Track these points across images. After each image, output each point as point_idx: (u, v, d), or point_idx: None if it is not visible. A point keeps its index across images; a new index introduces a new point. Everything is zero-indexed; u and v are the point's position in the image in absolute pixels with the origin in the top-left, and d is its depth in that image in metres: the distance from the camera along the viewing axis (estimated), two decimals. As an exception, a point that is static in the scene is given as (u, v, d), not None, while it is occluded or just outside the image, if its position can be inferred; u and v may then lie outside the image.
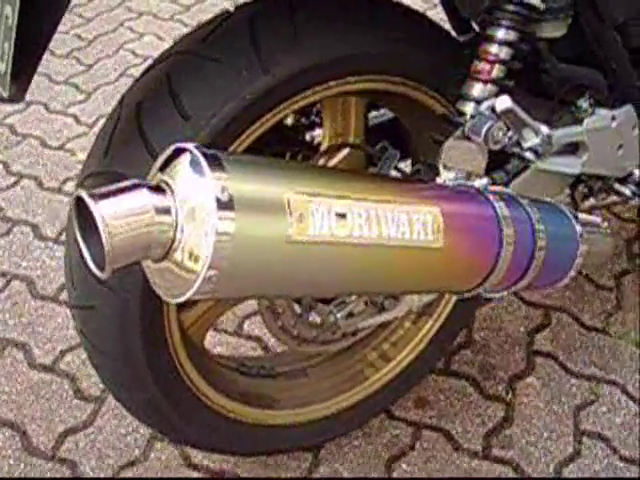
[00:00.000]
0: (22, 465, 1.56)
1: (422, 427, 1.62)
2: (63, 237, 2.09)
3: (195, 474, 1.53)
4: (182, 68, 1.03)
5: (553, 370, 1.75)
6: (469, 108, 1.14)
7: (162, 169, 0.72)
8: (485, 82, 1.13)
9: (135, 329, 1.10)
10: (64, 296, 1.91)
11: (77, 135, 2.48)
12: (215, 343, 1.78)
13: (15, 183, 2.29)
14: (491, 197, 0.98)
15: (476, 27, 1.37)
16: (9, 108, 2.59)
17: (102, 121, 2.47)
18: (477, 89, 1.14)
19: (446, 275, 0.93)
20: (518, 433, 1.62)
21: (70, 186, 2.27)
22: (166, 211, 0.69)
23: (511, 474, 1.55)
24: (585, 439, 1.61)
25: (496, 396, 1.69)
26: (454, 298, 1.49)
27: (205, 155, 0.69)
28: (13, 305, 1.90)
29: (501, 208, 0.97)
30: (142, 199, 0.67)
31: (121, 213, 0.66)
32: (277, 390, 1.42)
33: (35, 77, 2.79)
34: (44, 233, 2.11)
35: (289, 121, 1.41)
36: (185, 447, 1.55)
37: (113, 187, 0.68)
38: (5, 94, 0.87)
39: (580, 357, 1.78)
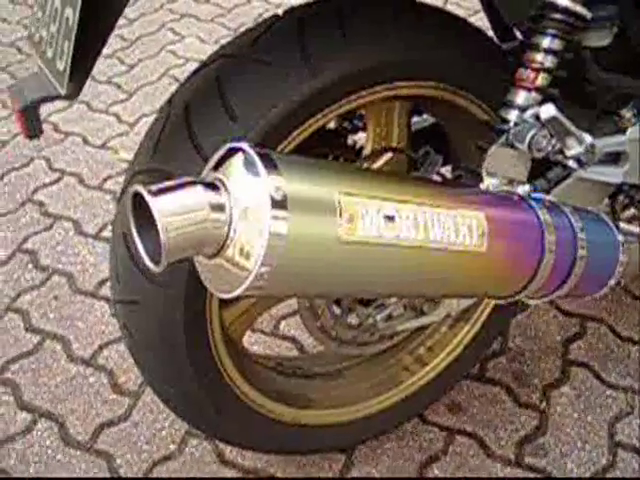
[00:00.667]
0: (59, 455, 1.59)
1: (455, 432, 1.62)
2: (103, 233, 2.13)
3: (228, 471, 1.55)
4: (231, 70, 1.05)
5: (588, 380, 1.74)
6: (513, 115, 1.14)
7: (216, 168, 0.74)
8: (529, 90, 1.14)
9: (178, 325, 1.12)
10: (103, 291, 1.95)
11: (118, 134, 2.52)
12: (252, 342, 1.80)
13: (57, 180, 2.34)
14: (534, 204, 0.98)
15: (519, 35, 1.37)
16: (52, 106, 2.64)
17: (143, 120, 2.56)
18: (521, 97, 1.14)
19: (488, 280, 0.94)
20: (551, 442, 1.61)
21: (110, 184, 2.31)
22: (220, 208, 0.70)
23: (544, 483, 1.54)
24: (620, 451, 1.59)
25: (530, 404, 1.68)
26: (491, 304, 1.49)
27: (259, 155, 0.71)
28: (53, 299, 1.94)
29: (544, 215, 0.98)
30: (197, 196, 0.69)
31: (177, 209, 0.68)
32: (313, 390, 1.44)
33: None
34: (84, 229, 2.15)
35: (332, 124, 1.43)
36: (220, 444, 1.58)
37: (169, 183, 0.70)
38: (62, 92, 0.90)
39: (615, 368, 1.77)
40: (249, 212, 0.70)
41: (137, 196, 0.69)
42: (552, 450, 1.60)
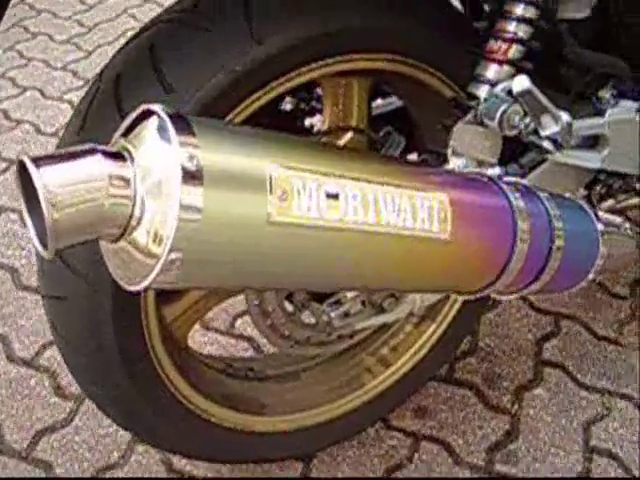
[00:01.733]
0: (-6, 465, 1.46)
1: (421, 438, 1.52)
2: (51, 226, 1.99)
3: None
4: (167, 37, 0.94)
5: (562, 381, 1.65)
6: (482, 91, 1.04)
7: (126, 134, 0.62)
8: (501, 63, 1.04)
9: (107, 323, 1.00)
10: (49, 288, 1.82)
11: (72, 122, 2.38)
12: (205, 342, 1.68)
13: (6, 169, 2.20)
14: (505, 187, 0.87)
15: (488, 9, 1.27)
16: (3, 93, 2.51)
17: (98, 108, 2.41)
18: (492, 70, 1.04)
19: (452, 272, 0.83)
20: (523, 448, 1.52)
21: (61, 174, 2.17)
22: (124, 182, 0.58)
23: (515, 492, 1.44)
24: (595, 456, 1.50)
25: (501, 407, 1.58)
26: (459, 301, 1.39)
27: (173, 118, 0.59)
28: (-5, 295, 1.81)
29: (516, 200, 0.87)
30: (95, 166, 0.57)
31: (68, 181, 0.56)
32: (266, 394, 1.32)
33: (32, 62, 2.70)
34: (31, 221, 2.01)
35: (288, 106, 1.32)
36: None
37: (62, 151, 0.58)
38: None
39: (591, 368, 1.68)
40: (158, 187, 0.58)
41: (24, 167, 0.56)
42: (524, 456, 1.50)
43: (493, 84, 1.03)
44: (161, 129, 0.59)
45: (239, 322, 1.73)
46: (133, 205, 0.59)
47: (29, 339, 1.71)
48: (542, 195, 0.94)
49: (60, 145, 1.03)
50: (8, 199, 2.09)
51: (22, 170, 0.57)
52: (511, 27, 1.03)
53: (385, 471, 1.46)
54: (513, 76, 1.04)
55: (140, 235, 0.59)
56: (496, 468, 1.48)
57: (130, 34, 2.79)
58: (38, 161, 0.56)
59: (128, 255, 0.61)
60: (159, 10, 2.92)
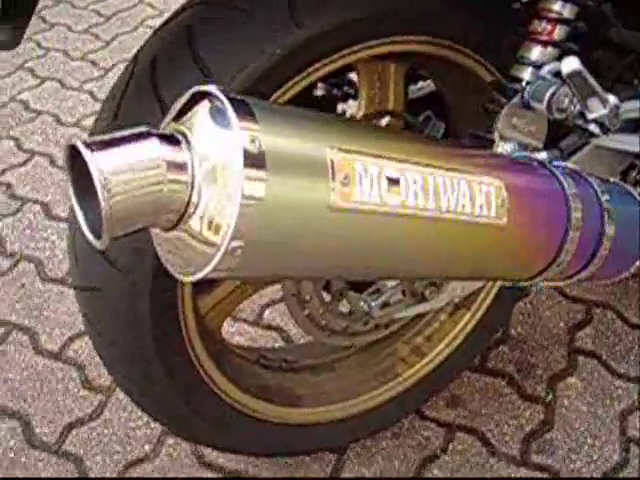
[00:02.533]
0: (24, 458, 1.45)
1: (455, 428, 1.50)
2: (74, 217, 1.98)
3: (208, 474, 1.42)
4: (204, 19, 0.91)
5: (596, 370, 1.62)
6: (526, 73, 1.01)
7: (177, 118, 0.59)
8: (545, 44, 1.00)
9: (145, 315, 0.98)
10: (74, 279, 1.80)
11: (93, 112, 2.37)
12: (233, 333, 1.66)
13: (27, 160, 2.19)
14: (557, 172, 0.84)
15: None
16: (23, 84, 2.49)
17: (119, 97, 2.40)
18: (536, 52, 1.01)
19: (508, 259, 0.80)
20: (559, 438, 1.49)
21: (83, 164, 2.16)
22: (181, 167, 0.55)
23: (552, 483, 1.42)
24: (632, 447, 1.47)
25: (535, 397, 1.56)
26: (494, 289, 1.36)
27: (231, 100, 0.56)
28: (20, 287, 1.80)
29: (569, 185, 0.84)
30: (151, 151, 0.54)
31: (124, 167, 0.53)
32: (301, 386, 1.30)
33: (51, 53, 2.67)
34: (55, 212, 2.00)
35: (320, 92, 1.29)
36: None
37: (115, 135, 0.55)
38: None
39: (625, 357, 1.65)
40: (217, 172, 0.55)
41: (75, 152, 0.54)
42: (560, 447, 1.48)
43: (537, 66, 1.00)
44: (218, 111, 0.56)
45: (267, 312, 1.71)
46: (191, 191, 0.56)
47: (56, 331, 1.70)
48: (592, 180, 0.91)
49: (93, 132, 1.00)
50: (30, 190, 2.08)
51: (72, 155, 0.55)
52: (556, 7, 0.99)
53: (420, 462, 1.44)
54: (558, 58, 1.00)
55: (198, 222, 0.56)
56: (531, 458, 1.45)
57: (148, 23, 2.78)
58: (92, 145, 0.53)
59: (183, 244, 0.58)
60: (177, -2, 2.85)
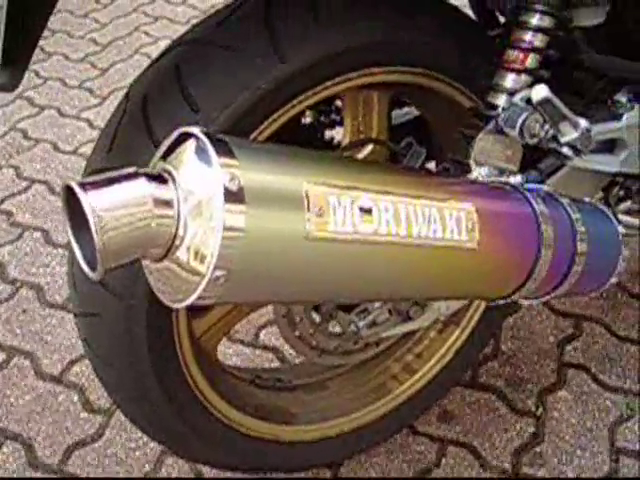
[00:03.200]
0: (27, 480, 1.49)
1: (447, 443, 1.53)
2: (74, 243, 2.02)
3: (207, 492, 1.45)
4: (192, 57, 0.96)
5: (585, 383, 1.66)
6: (501, 100, 1.05)
7: (165, 157, 0.64)
8: (518, 72, 1.05)
9: (142, 338, 1.02)
10: (74, 304, 1.84)
11: (90, 140, 2.42)
12: (230, 354, 1.70)
13: (26, 188, 2.23)
14: (528, 195, 0.89)
15: (502, 20, 1.29)
16: (21, 113, 2.55)
17: (115, 125, 2.45)
18: (509, 80, 1.06)
19: (481, 279, 0.84)
20: (549, 451, 1.52)
21: (82, 191, 2.20)
22: (167, 203, 0.60)
23: (543, 494, 1.45)
24: (622, 457, 1.51)
25: (525, 411, 1.59)
26: (482, 306, 1.40)
27: (212, 140, 0.61)
28: (21, 313, 1.84)
29: (539, 207, 0.88)
30: (139, 189, 0.59)
31: (115, 204, 0.58)
32: (295, 404, 1.34)
33: (48, 82, 2.73)
34: (55, 239, 2.05)
35: (307, 119, 1.34)
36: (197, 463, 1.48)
37: (106, 175, 0.60)
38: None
39: (614, 369, 1.69)
40: (201, 207, 0.60)
41: (70, 191, 0.59)
42: (550, 459, 1.51)
43: (511, 93, 1.05)
44: (201, 151, 0.61)
45: (263, 333, 1.75)
46: (177, 225, 0.61)
47: (56, 355, 1.73)
48: (564, 201, 0.95)
49: (88, 166, 1.05)
50: (31, 217, 2.13)
51: (68, 194, 0.60)
52: (528, 37, 1.04)
53: (413, 477, 1.47)
54: (531, 84, 1.05)
55: (184, 254, 0.61)
56: (523, 471, 1.48)
57: (144, 50, 2.83)
58: (86, 185, 0.58)
59: (172, 273, 0.63)
60: (171, 26, 2.94)
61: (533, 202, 0.88)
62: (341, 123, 1.30)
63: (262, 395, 1.31)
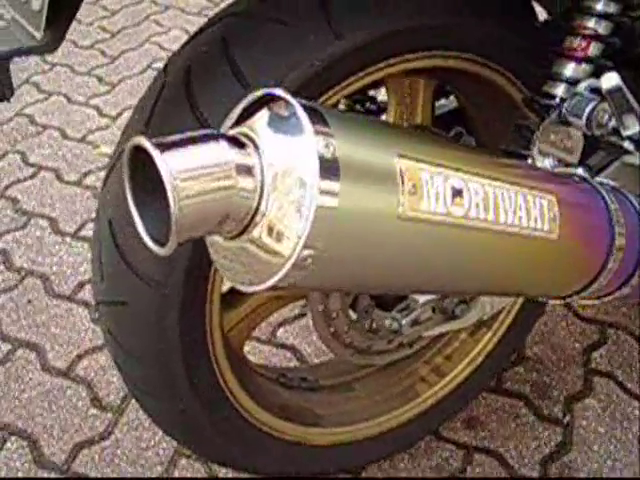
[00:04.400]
0: (32, 479, 1.41)
1: (473, 450, 1.47)
2: (82, 232, 1.96)
3: (222, 495, 1.39)
4: (240, 31, 0.90)
5: (613, 391, 1.60)
6: (560, 90, 1.00)
7: (239, 122, 0.57)
8: (579, 61, 1.00)
9: (173, 330, 0.95)
10: (82, 295, 1.78)
11: (99, 127, 2.35)
12: (246, 352, 1.63)
13: (33, 175, 2.16)
14: (600, 188, 0.83)
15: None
16: (28, 98, 2.47)
17: (126, 114, 2.39)
18: (570, 68, 1.00)
19: (557, 273, 0.78)
20: (579, 460, 1.47)
21: (91, 179, 2.14)
22: (249, 172, 0.53)
23: (573, 506, 1.39)
24: (653, 469, 1.45)
25: (552, 418, 1.54)
26: (515, 308, 1.35)
27: (303, 105, 0.54)
28: (27, 303, 1.77)
29: (611, 201, 0.83)
30: (221, 153, 0.52)
31: (194, 170, 0.51)
32: (320, 405, 1.27)
33: (56, 68, 2.65)
34: (62, 228, 1.98)
35: (341, 107, 1.28)
36: (212, 465, 1.41)
37: (183, 136, 0.53)
38: (39, 36, 0.73)
39: (641, 378, 1.63)
40: (287, 178, 0.53)
41: (139, 152, 0.51)
42: (580, 469, 1.45)
43: (571, 82, 0.99)
44: (289, 116, 0.54)
45: (281, 331, 1.69)
46: (259, 198, 0.54)
47: (64, 348, 1.67)
48: (632, 198, 0.90)
49: (121, 144, 0.99)
50: (37, 205, 2.05)
51: (134, 155, 0.52)
52: (591, 23, 0.99)
53: (438, 484, 1.41)
54: (591, 74, 1.00)
55: (265, 231, 0.54)
56: (552, 481, 1.43)
57: (155, 39, 2.77)
58: (160, 146, 0.51)
59: (247, 253, 0.56)
60: (182, 16, 2.87)
61: (605, 196, 0.83)
62: (377, 113, 1.24)
63: (287, 395, 1.25)
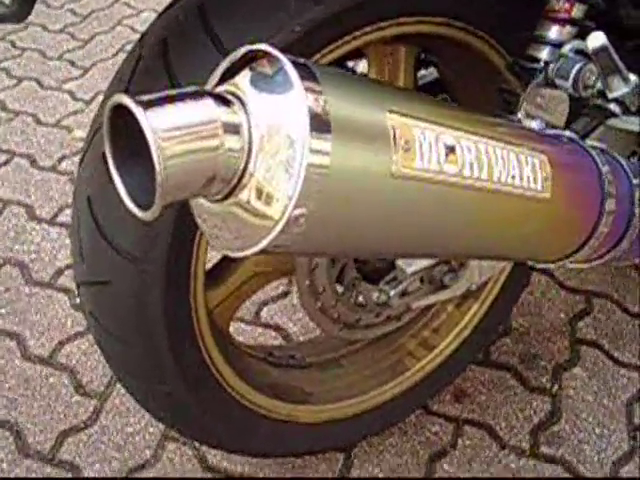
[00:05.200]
0: (17, 469, 1.39)
1: (463, 423, 1.47)
2: (59, 218, 1.92)
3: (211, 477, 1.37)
4: (217, -3, 0.87)
5: (600, 360, 1.61)
6: (544, 53, 0.98)
7: (222, 81, 0.54)
8: (563, 23, 0.98)
9: (157, 308, 0.93)
10: (61, 281, 1.75)
11: (73, 112, 2.30)
12: (232, 332, 1.61)
13: (7, 161, 2.12)
14: (591, 150, 0.82)
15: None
16: (0, 84, 2.42)
17: (101, 97, 2.33)
18: (554, 31, 0.99)
19: (549, 234, 0.77)
20: (567, 429, 1.47)
21: (66, 164, 2.10)
22: (236, 130, 0.51)
23: (563, 474, 1.39)
24: (640, 435, 1.46)
25: (541, 388, 1.54)
26: (502, 279, 1.34)
27: (291, 61, 0.52)
28: (5, 291, 1.73)
29: (602, 163, 0.81)
30: (207, 111, 0.50)
31: (179, 127, 0.49)
32: (309, 382, 1.26)
33: (26, 52, 2.60)
34: (38, 214, 1.94)
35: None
36: (201, 447, 1.39)
37: (166, 93, 0.50)
38: (7, 1, 0.69)
39: (627, 346, 1.64)
40: (275, 137, 0.51)
41: (120, 110, 0.49)
42: (569, 438, 1.46)
43: (555, 45, 0.98)
44: (277, 72, 0.52)
45: (265, 310, 1.67)
46: (247, 157, 0.52)
47: (44, 336, 1.64)
48: (620, 159, 0.88)
49: (95, 122, 0.96)
50: (12, 192, 2.01)
51: (115, 114, 0.50)
52: (575, -16, 0.97)
53: (429, 458, 1.40)
54: (576, 36, 0.98)
55: (254, 192, 0.52)
56: (541, 450, 1.43)
57: (126, 22, 2.72)
58: (142, 103, 0.48)
59: (235, 217, 0.54)
60: (154, -1, 2.76)
61: (596, 157, 0.81)
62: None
63: (276, 373, 1.23)
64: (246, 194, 0.53)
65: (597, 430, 1.47)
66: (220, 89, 0.54)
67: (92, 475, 1.38)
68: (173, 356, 0.98)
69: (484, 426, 1.47)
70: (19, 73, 2.48)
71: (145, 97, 0.49)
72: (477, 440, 1.44)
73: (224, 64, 0.55)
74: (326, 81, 0.53)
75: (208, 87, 0.55)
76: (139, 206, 0.51)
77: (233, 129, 0.51)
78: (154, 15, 2.60)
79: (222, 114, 0.51)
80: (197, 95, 0.51)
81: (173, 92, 0.51)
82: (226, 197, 0.53)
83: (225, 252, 0.56)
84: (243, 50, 0.54)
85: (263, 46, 0.53)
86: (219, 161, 0.51)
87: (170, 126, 0.48)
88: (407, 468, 1.39)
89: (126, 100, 0.48)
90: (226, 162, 0.51)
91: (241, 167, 0.52)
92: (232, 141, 0.51)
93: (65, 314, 1.68)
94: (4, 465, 1.40)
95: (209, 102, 0.50)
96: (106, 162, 0.84)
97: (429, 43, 1.10)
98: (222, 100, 0.52)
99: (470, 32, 1.05)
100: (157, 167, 0.47)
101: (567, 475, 1.39)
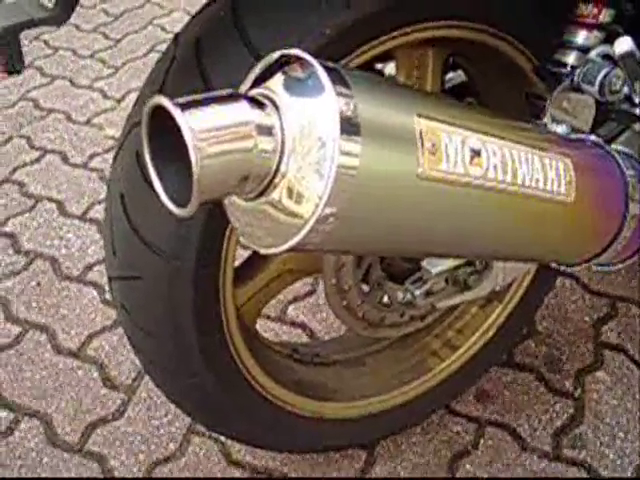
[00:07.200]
0: (46, 458, 1.43)
1: (485, 423, 1.48)
2: (90, 214, 1.96)
3: (236, 473, 1.39)
4: (250, 0, 0.89)
5: (623, 364, 1.60)
6: (571, 58, 0.99)
7: (255, 84, 0.56)
8: (591, 28, 0.99)
9: (187, 304, 0.95)
10: (91, 276, 1.78)
11: (104, 110, 2.34)
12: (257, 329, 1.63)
13: (39, 158, 2.16)
14: (616, 155, 0.83)
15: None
16: (32, 82, 2.47)
17: (131, 96, 2.38)
18: (581, 36, 0.99)
19: (572, 237, 0.78)
20: (590, 432, 1.47)
21: (96, 162, 2.14)
22: (269, 132, 0.53)
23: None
24: (664, 440, 1.45)
25: (564, 391, 1.54)
26: (526, 281, 1.35)
27: (323, 66, 0.54)
28: (36, 286, 1.77)
29: (627, 167, 0.82)
30: (242, 113, 0.52)
31: (215, 128, 0.51)
32: (334, 380, 1.28)
33: (59, 52, 2.64)
34: (69, 210, 1.98)
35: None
36: (226, 441, 1.42)
37: (203, 96, 0.53)
38: (50, 5, 0.72)
39: (652, 351, 1.63)
40: (307, 139, 0.53)
41: (159, 112, 0.51)
42: (591, 441, 1.46)
43: (583, 50, 0.99)
44: (309, 76, 0.54)
45: (291, 308, 1.69)
46: (279, 158, 0.54)
47: (74, 330, 1.67)
48: (646, 163, 0.89)
49: (130, 118, 0.98)
50: (43, 188, 2.05)
51: (154, 115, 0.52)
52: (603, -11, 0.98)
53: (451, 457, 1.42)
54: (604, 41, 0.99)
55: (285, 192, 0.54)
56: (564, 453, 1.43)
57: (157, 22, 2.75)
58: (181, 105, 0.50)
59: (267, 215, 0.56)
60: (185, -2, 2.79)
61: (621, 162, 0.82)
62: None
63: (301, 370, 1.25)
64: (278, 193, 0.55)
65: (620, 434, 1.47)
66: (254, 92, 0.56)
67: (118, 465, 1.41)
68: (201, 351, 1.01)
69: (506, 427, 1.47)
70: (52, 72, 2.53)
71: (183, 99, 0.51)
72: (499, 441, 1.45)
73: (258, 67, 0.57)
74: (356, 85, 0.55)
75: (242, 90, 0.57)
76: (176, 204, 0.53)
77: (266, 131, 0.53)
78: (184, 15, 2.65)
79: (256, 116, 0.53)
80: (232, 98, 0.53)
81: (210, 95, 0.53)
82: (258, 196, 0.56)
83: (256, 249, 0.58)
84: (276, 55, 0.56)
85: (296, 51, 0.55)
86: (253, 161, 0.53)
87: (207, 127, 0.51)
88: (429, 467, 1.40)
89: (165, 102, 0.50)
90: (259, 162, 0.53)
91: (273, 167, 0.54)
92: (265, 142, 0.53)
93: (94, 308, 1.71)
94: (33, 454, 1.43)
95: (244, 105, 0.53)
96: (139, 160, 0.88)
97: (458, 47, 1.10)
98: (256, 103, 0.54)
99: (498, 36, 1.06)
100: (194, 166, 0.49)
101: (586, 476, 1.39)
